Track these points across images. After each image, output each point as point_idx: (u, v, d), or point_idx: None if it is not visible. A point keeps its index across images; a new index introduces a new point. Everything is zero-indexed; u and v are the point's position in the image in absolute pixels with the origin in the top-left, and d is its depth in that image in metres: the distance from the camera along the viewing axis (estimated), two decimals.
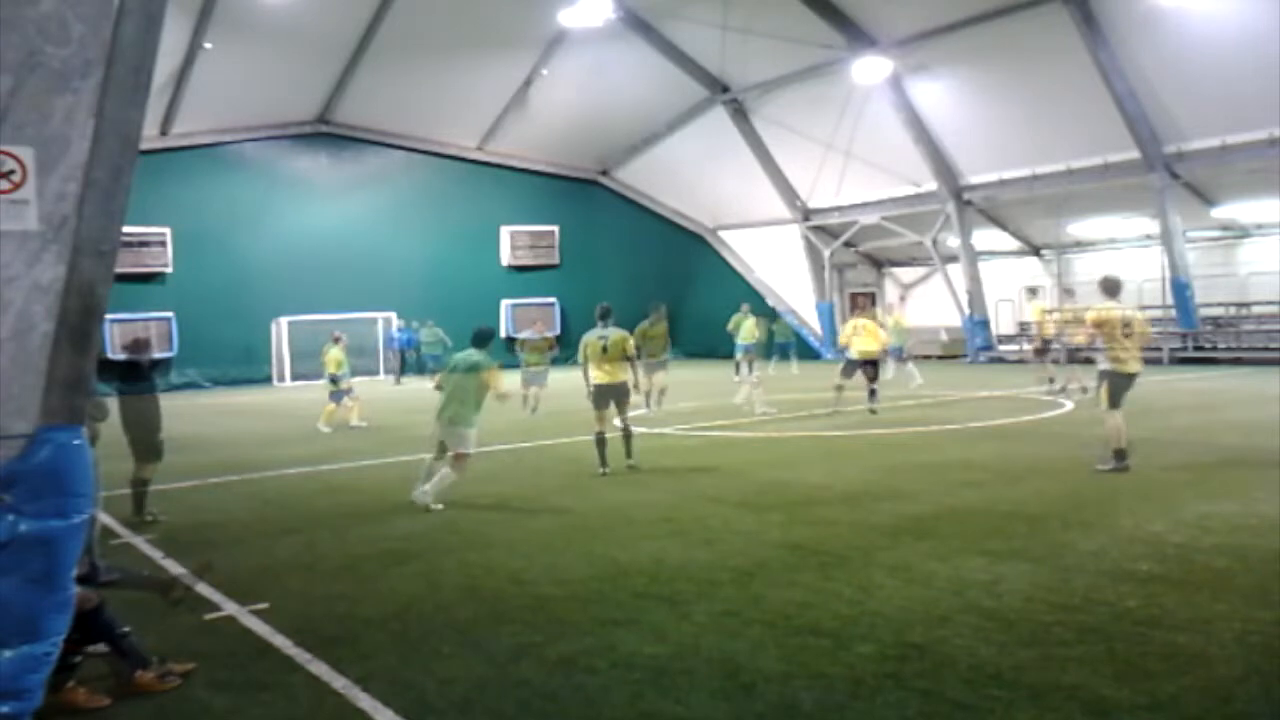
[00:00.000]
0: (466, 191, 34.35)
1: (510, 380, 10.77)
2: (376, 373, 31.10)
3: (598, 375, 11.26)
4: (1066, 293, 20.53)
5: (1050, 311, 19.83)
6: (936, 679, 4.72)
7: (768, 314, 28.03)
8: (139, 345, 10.21)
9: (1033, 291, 19.57)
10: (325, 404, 17.35)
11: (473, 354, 9.89)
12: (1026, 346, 18.70)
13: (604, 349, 11.22)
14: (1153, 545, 7.00)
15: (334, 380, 17.09)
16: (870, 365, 16.46)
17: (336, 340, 17.73)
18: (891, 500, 9.03)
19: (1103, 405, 10.29)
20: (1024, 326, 18.09)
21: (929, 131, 27.48)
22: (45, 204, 3.73)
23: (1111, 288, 10.59)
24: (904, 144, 27.67)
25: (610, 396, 11.26)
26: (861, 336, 16.58)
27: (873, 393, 16.27)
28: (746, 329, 22.50)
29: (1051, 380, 18.47)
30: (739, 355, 23.14)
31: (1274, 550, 6.75)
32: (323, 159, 32.78)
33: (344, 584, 7.02)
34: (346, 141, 32.91)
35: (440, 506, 9.51)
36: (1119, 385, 10.18)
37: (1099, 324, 10.22)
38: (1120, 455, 10.00)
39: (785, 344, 27.85)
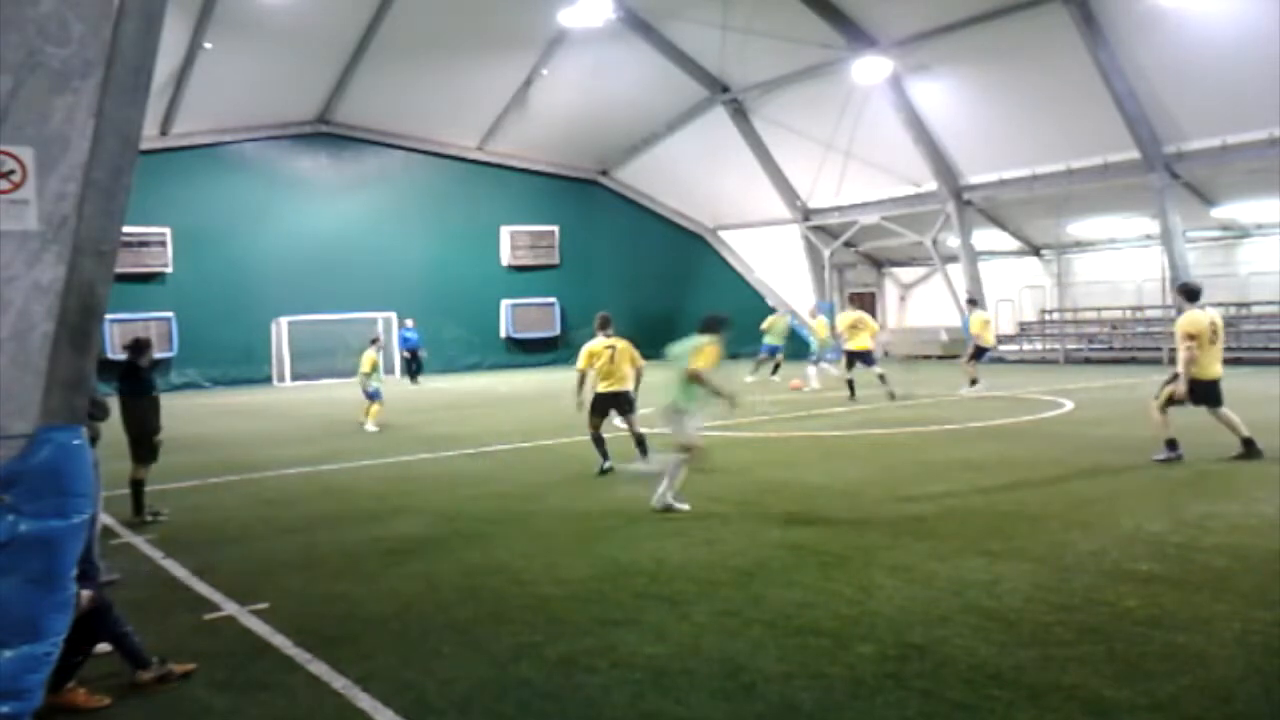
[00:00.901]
0: (466, 191, 34.34)
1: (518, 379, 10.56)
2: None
3: (602, 384, 11.15)
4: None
5: (987, 323, 20.17)
6: (936, 679, 4.72)
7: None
8: (139, 346, 10.11)
9: (973, 302, 20.47)
10: (365, 405, 17.01)
11: (692, 339, 9.33)
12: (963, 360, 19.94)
13: (611, 358, 11.18)
14: (1153, 545, 7.00)
15: (367, 378, 17.09)
16: (864, 357, 18.01)
17: (374, 342, 17.98)
18: (891, 500, 9.04)
19: (1159, 399, 10.41)
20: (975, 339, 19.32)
21: (929, 131, 27.47)
22: (45, 204, 3.73)
23: (1193, 293, 10.54)
24: (904, 144, 27.66)
25: (612, 405, 11.24)
26: (860, 331, 18.05)
27: (882, 378, 17.82)
28: (779, 329, 23.70)
29: (974, 381, 19.12)
30: (763, 354, 23.54)
31: (1274, 550, 6.75)
32: (323, 159, 32.76)
33: (344, 584, 7.02)
34: (346, 141, 32.90)
35: (686, 506, 8.87)
36: (1200, 391, 10.23)
37: (1193, 334, 10.15)
38: (1172, 445, 10.32)
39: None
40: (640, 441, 11.17)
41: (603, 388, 11.16)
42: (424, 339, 30.19)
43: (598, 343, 11.34)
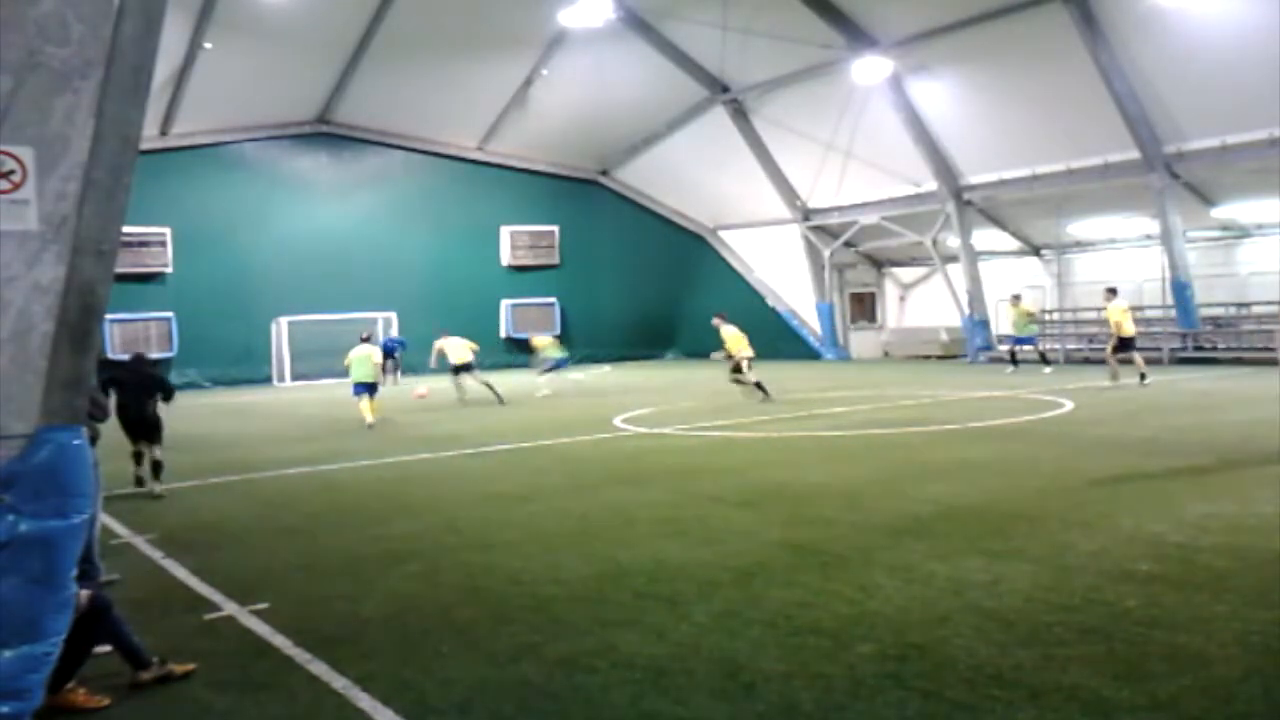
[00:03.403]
0: (466, 191, 34.35)
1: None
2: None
3: (455, 358, 21.06)
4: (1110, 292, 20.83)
5: (1126, 311, 20.01)
6: (936, 679, 4.72)
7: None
8: (140, 362, 11.96)
9: (1113, 291, 20.38)
10: (369, 403, 17.46)
11: None
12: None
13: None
14: (1153, 545, 7.00)
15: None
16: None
17: (366, 339, 19.05)
18: (891, 500, 9.03)
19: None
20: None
21: (929, 131, 27.47)
22: (45, 204, 3.73)
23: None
24: (904, 144, 27.65)
25: (462, 370, 21.13)
26: (739, 340, 19.73)
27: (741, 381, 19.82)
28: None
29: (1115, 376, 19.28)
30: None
31: (1274, 550, 6.75)
32: (323, 159, 32.76)
33: (344, 584, 7.02)
34: (346, 141, 32.90)
35: None
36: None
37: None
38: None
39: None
40: (489, 386, 20.67)
41: (455, 361, 21.09)
42: (410, 342, 30.40)
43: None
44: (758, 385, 19.09)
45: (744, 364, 19.45)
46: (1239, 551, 6.75)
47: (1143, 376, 18.92)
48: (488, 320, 34.51)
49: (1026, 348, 24.88)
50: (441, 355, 21.98)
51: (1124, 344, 19.27)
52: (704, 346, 35.34)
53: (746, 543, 7.66)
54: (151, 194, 27.26)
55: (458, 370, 21.49)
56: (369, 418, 17.08)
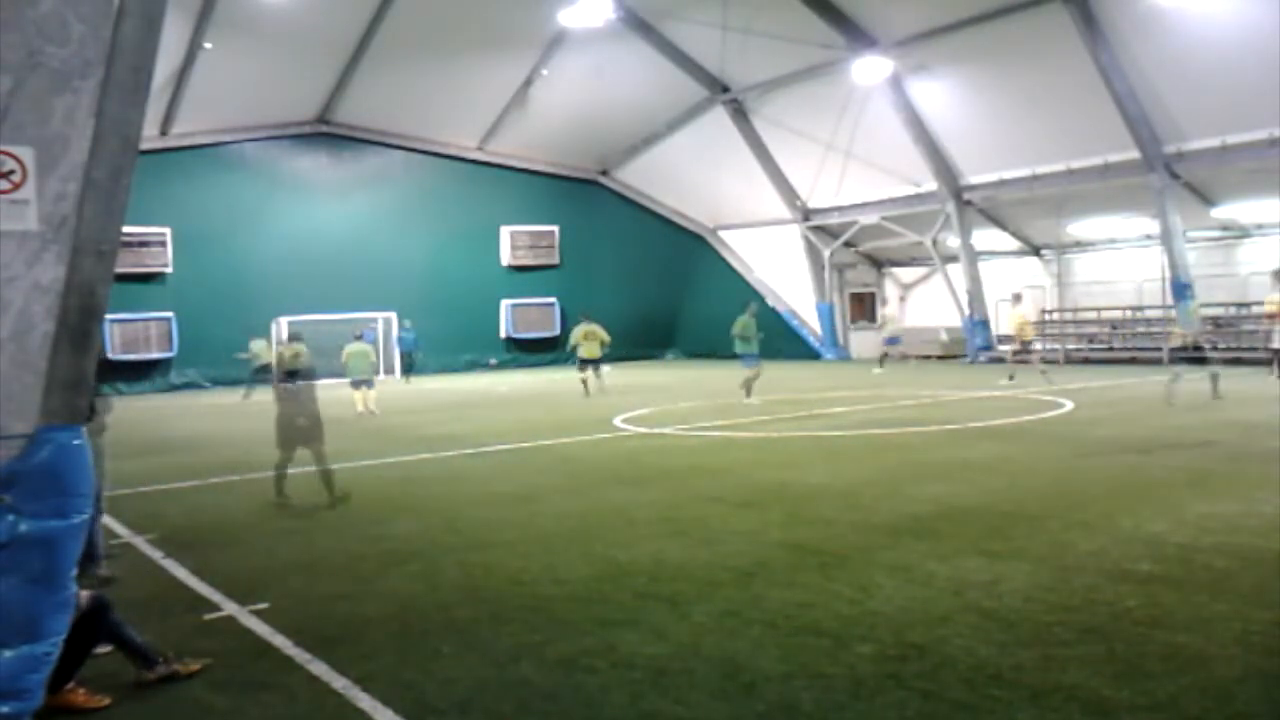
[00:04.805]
0: (466, 191, 34.31)
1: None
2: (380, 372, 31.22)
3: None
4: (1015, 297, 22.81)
5: (1019, 319, 21.83)
6: (936, 679, 4.72)
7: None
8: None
9: (1017, 298, 22.68)
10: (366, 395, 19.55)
11: None
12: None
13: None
14: (1153, 545, 7.00)
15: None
16: (593, 364, 21.99)
17: (359, 337, 20.64)
18: (891, 500, 9.04)
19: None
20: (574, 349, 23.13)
21: (929, 131, 27.45)
22: (45, 204, 3.73)
23: None
24: (904, 144, 27.64)
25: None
26: (590, 341, 21.96)
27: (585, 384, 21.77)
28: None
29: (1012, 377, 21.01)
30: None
31: (1274, 550, 6.75)
32: (323, 159, 32.73)
33: (344, 584, 7.02)
34: (346, 141, 32.87)
35: None
36: None
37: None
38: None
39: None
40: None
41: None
42: (420, 339, 30.88)
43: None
44: (584, 382, 21.65)
45: (581, 364, 21.76)
46: (1239, 551, 6.75)
47: (1011, 376, 20.73)
48: (488, 320, 34.52)
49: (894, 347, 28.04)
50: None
51: (1024, 346, 21.46)
52: (704, 347, 35.39)
53: (746, 543, 7.66)
54: (151, 194, 27.25)
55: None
56: (359, 407, 19.14)
